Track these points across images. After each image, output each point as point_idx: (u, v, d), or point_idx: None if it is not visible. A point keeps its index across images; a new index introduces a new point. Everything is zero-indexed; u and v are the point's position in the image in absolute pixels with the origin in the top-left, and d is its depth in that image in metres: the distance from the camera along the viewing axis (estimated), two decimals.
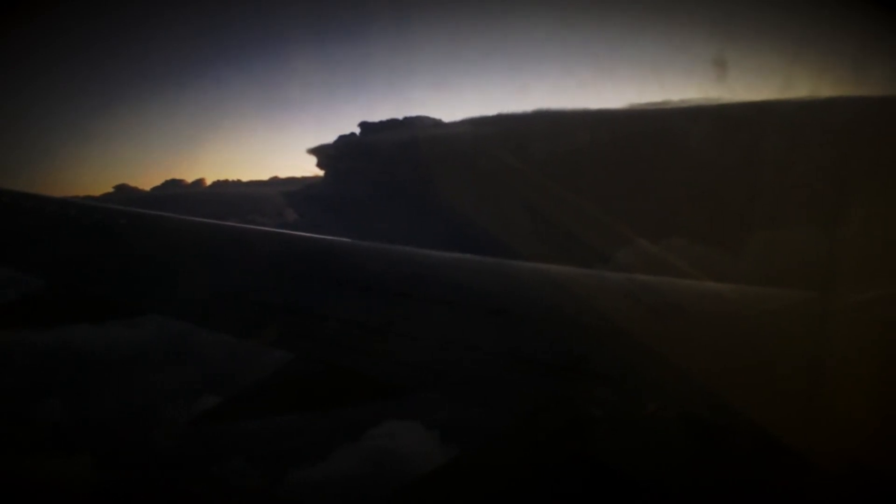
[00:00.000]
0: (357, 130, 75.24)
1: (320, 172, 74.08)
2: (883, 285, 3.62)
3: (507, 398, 3.16)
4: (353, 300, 4.19)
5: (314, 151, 76.00)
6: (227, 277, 4.62)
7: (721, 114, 42.78)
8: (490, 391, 3.23)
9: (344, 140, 74.55)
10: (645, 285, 4.04)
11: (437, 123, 73.96)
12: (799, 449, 2.45)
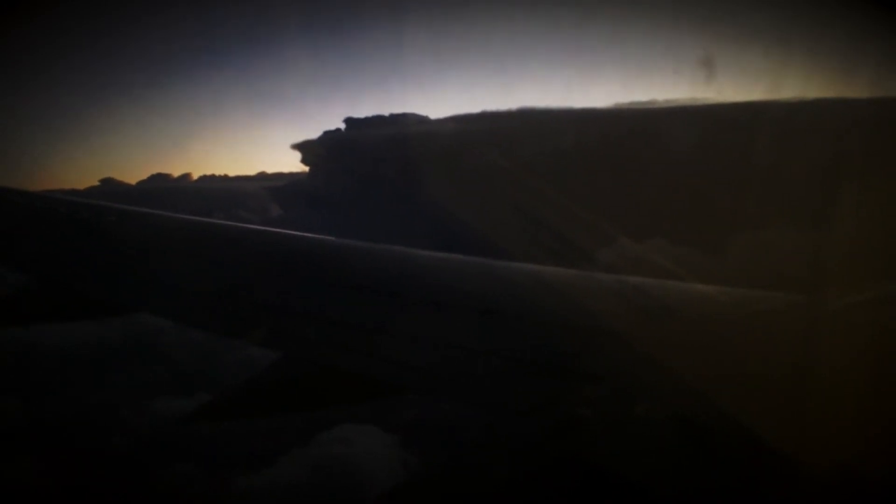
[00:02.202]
0: (342, 126, 74.95)
1: (307, 168, 73.76)
2: (869, 287, 3.68)
3: (498, 398, 3.17)
4: (344, 300, 4.19)
5: (298, 147, 75.38)
6: (215, 276, 4.60)
7: (707, 114, 43.02)
8: (481, 391, 3.24)
9: (329, 136, 74.21)
10: (635, 287, 4.07)
11: (422, 120, 73.78)
12: (788, 450, 2.47)
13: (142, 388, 25.17)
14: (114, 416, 23.07)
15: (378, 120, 73.86)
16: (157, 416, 22.37)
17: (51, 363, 25.78)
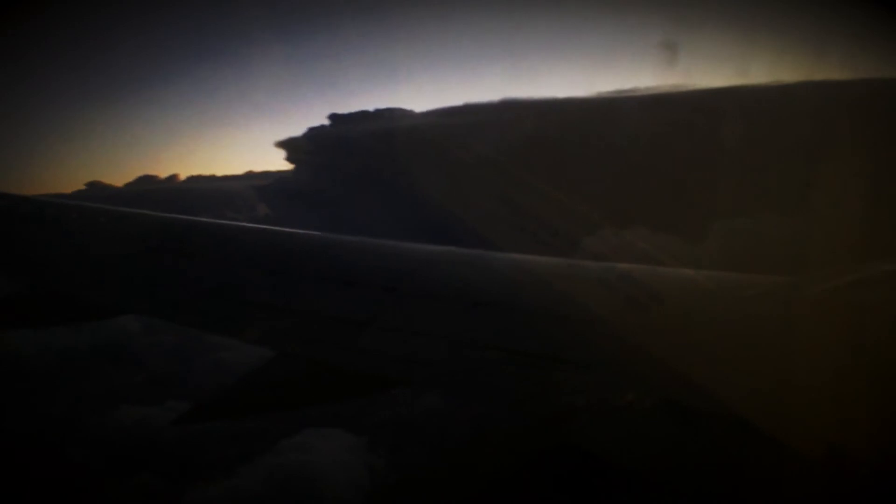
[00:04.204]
0: (326, 123, 74.39)
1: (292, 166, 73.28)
2: (853, 268, 3.73)
3: (493, 389, 3.20)
4: (338, 295, 4.20)
5: (283, 145, 74.77)
6: (206, 274, 4.60)
7: (687, 100, 43.09)
8: (476, 382, 3.27)
9: (314, 132, 73.69)
10: (624, 274, 4.09)
11: (407, 115, 73.42)
12: (778, 435, 2.50)
13: (135, 389, 25.00)
14: (113, 417, 22.97)
15: (362, 115, 73.46)
16: (149, 416, 22.27)
17: (39, 367, 25.60)
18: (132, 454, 20.26)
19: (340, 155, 65.88)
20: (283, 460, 20.93)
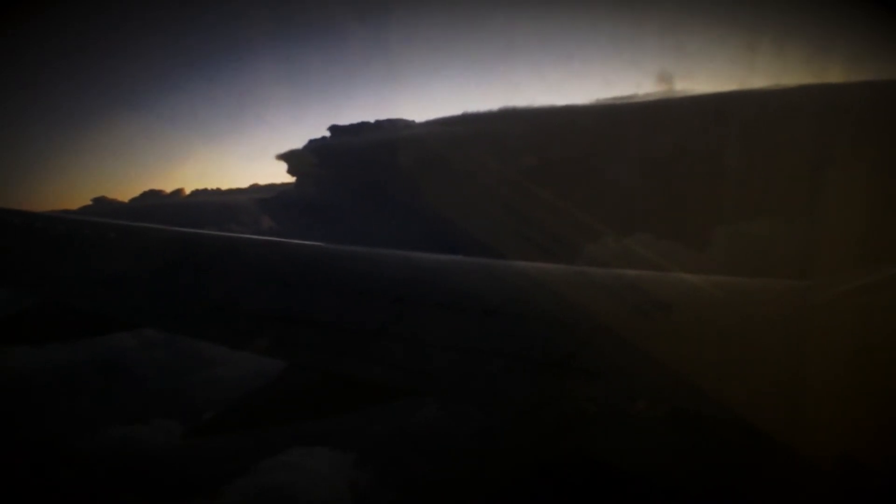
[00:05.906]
0: (327, 135, 74.45)
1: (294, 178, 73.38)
2: (859, 273, 3.68)
3: (503, 397, 3.19)
4: (347, 306, 4.20)
5: (284, 157, 74.80)
6: (214, 287, 4.61)
7: (687, 106, 43.13)
8: (487, 391, 3.26)
9: (315, 144, 73.76)
10: (633, 281, 4.07)
11: (408, 125, 73.55)
12: (789, 442, 2.48)
13: (150, 401, 24.97)
14: (127, 428, 22.96)
15: (363, 126, 73.62)
16: (162, 429, 22.27)
17: (44, 382, 25.64)
18: (128, 471, 20.21)
19: (342, 166, 66.03)
20: (281, 476, 20.85)
